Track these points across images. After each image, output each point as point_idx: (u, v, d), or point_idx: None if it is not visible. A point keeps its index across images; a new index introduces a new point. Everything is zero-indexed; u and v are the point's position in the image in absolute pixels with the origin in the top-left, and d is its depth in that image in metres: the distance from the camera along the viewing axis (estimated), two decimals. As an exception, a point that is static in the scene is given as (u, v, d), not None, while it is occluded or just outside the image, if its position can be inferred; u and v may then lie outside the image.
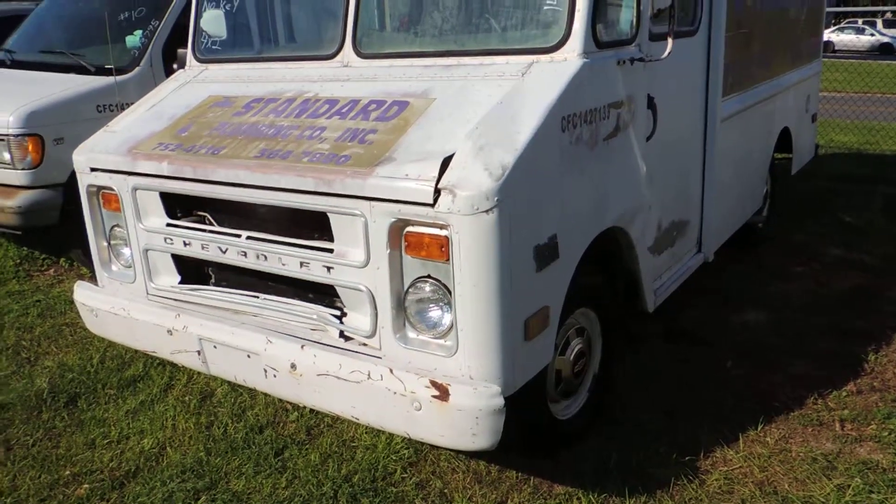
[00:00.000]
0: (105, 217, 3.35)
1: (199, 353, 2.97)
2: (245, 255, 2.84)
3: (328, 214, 2.55)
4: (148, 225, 3.12)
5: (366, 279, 2.51)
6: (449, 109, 2.60)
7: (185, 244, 3.02)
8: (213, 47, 3.73)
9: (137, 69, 5.42)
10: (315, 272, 2.65)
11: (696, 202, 4.01)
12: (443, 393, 2.31)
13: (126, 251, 3.33)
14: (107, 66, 5.34)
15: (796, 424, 3.25)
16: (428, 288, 2.43)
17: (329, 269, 2.60)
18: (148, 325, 3.11)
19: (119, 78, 5.22)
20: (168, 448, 3.20)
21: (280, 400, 3.50)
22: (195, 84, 3.56)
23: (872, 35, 32.80)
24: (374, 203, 2.40)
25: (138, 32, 5.62)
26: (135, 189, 3.10)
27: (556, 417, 3.00)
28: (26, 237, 5.42)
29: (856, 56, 27.52)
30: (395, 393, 2.40)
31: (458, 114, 2.55)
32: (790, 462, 2.98)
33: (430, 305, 2.45)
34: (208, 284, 3.19)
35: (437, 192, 2.27)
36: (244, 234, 2.85)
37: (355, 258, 2.52)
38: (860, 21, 33.72)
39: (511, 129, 2.39)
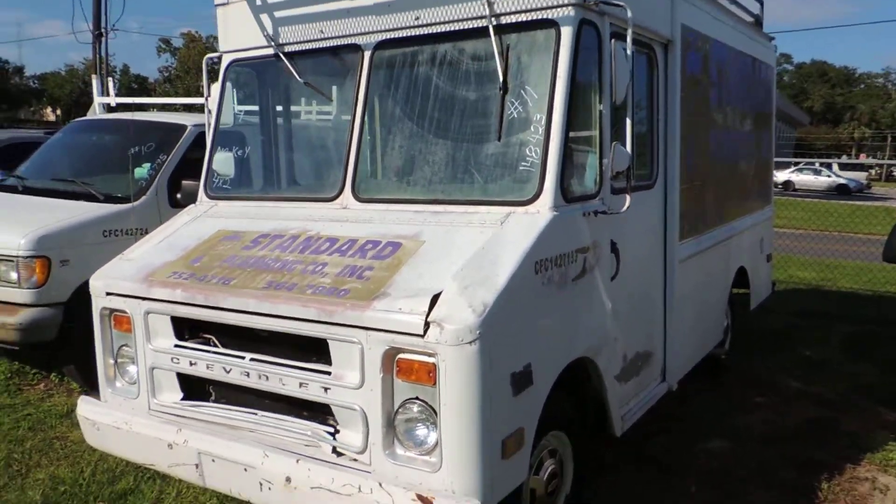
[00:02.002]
0: (115, 337, 3.63)
1: (196, 466, 3.17)
2: (248, 375, 3.12)
3: (328, 341, 2.86)
4: (156, 345, 3.41)
5: (360, 399, 2.79)
6: (437, 251, 2.99)
7: (191, 364, 3.30)
8: (224, 185, 4.16)
9: (144, 198, 5.83)
10: (313, 392, 2.93)
11: (660, 335, 4.38)
12: (426, 506, 2.55)
13: (132, 369, 3.58)
14: (115, 195, 5.79)
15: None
16: (416, 409, 2.71)
17: (326, 389, 2.89)
18: (149, 438, 3.32)
19: (125, 206, 5.65)
20: (158, 562, 3.33)
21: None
22: (206, 218, 3.95)
23: (829, 176, 34.88)
24: (370, 332, 2.73)
25: (146, 165, 6.09)
26: (147, 312, 3.40)
27: (532, 536, 3.20)
28: (19, 352, 5.61)
29: (814, 195, 29.21)
30: (382, 506, 2.63)
31: (446, 256, 2.94)
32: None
33: (418, 424, 2.73)
34: (208, 401, 3.43)
35: (427, 324, 2.61)
36: (248, 356, 3.14)
37: (351, 380, 2.81)
38: (817, 163, 35.89)
39: (491, 271, 2.77)
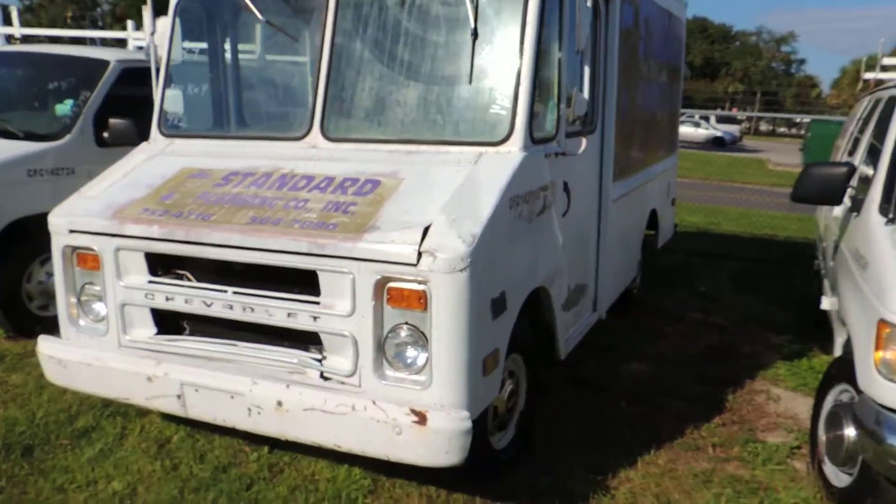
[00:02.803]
0: (78, 275, 3.60)
1: (178, 397, 3.28)
2: (231, 307, 3.23)
3: (317, 272, 3.02)
4: (128, 282, 3.43)
5: (350, 327, 2.99)
6: (417, 188, 3.19)
7: (168, 299, 3.36)
8: (179, 123, 4.13)
9: (69, 136, 5.60)
10: (301, 321, 3.09)
11: (593, 268, 4.79)
12: (421, 418, 2.80)
13: (98, 306, 3.59)
14: (37, 133, 5.53)
15: (679, 450, 3.98)
16: (405, 333, 2.94)
17: (315, 318, 3.06)
18: (126, 372, 3.38)
19: (50, 144, 5.43)
20: (140, 488, 3.42)
21: (239, 441, 3.80)
22: (164, 156, 3.93)
23: (707, 129, 37.04)
24: (362, 263, 2.91)
25: (68, 101, 5.83)
26: (118, 249, 3.41)
27: (494, 447, 3.54)
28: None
29: (694, 147, 31.05)
30: (377, 421, 2.86)
31: (426, 192, 3.14)
32: (678, 478, 3.68)
33: (407, 347, 2.96)
34: (182, 335, 3.51)
35: (420, 254, 2.82)
36: (230, 289, 3.24)
37: (342, 309, 2.99)
38: (696, 116, 37.95)
39: (474, 205, 3.00)
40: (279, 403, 3.05)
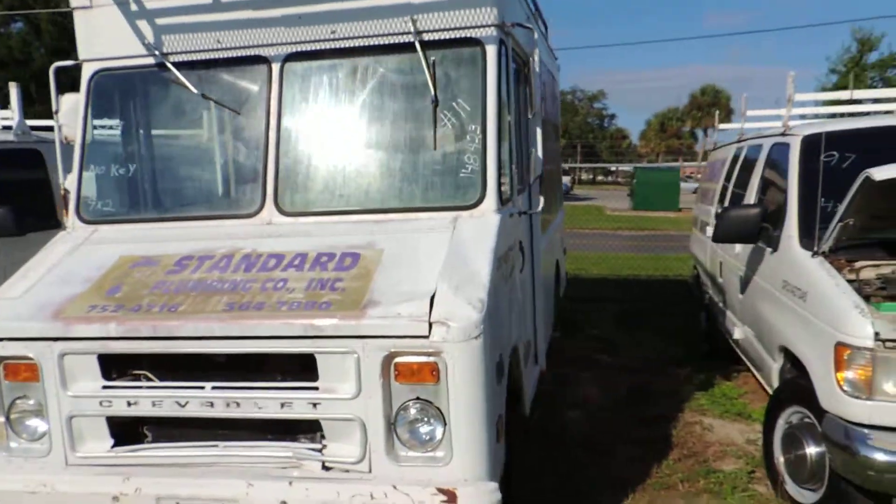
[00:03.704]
0: (6, 389, 3.12)
1: (155, 514, 2.90)
2: (212, 405, 2.93)
3: (315, 355, 2.83)
4: (76, 390, 3.02)
5: (356, 409, 2.81)
6: (401, 258, 3.10)
7: (130, 404, 2.99)
8: (102, 208, 3.76)
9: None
10: (298, 411, 2.86)
11: (532, 322, 4.86)
12: (451, 497, 2.68)
13: (34, 423, 3.12)
14: None
15: (653, 490, 4.08)
16: (416, 408, 2.81)
17: (315, 405, 2.84)
18: (84, 495, 2.94)
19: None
20: None
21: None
22: (92, 245, 3.55)
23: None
24: (367, 340, 2.77)
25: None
26: (63, 354, 3.00)
27: None
28: None
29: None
30: (402, 507, 2.69)
31: (413, 261, 3.07)
32: (663, 519, 3.76)
33: (420, 423, 2.82)
34: (144, 443, 3.13)
35: (430, 325, 2.73)
36: (208, 385, 2.95)
37: (345, 392, 2.81)
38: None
39: (470, 270, 2.96)
40: (283, 504, 2.78)
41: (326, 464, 2.89)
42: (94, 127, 3.83)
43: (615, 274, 12.45)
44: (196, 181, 3.82)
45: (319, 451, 2.91)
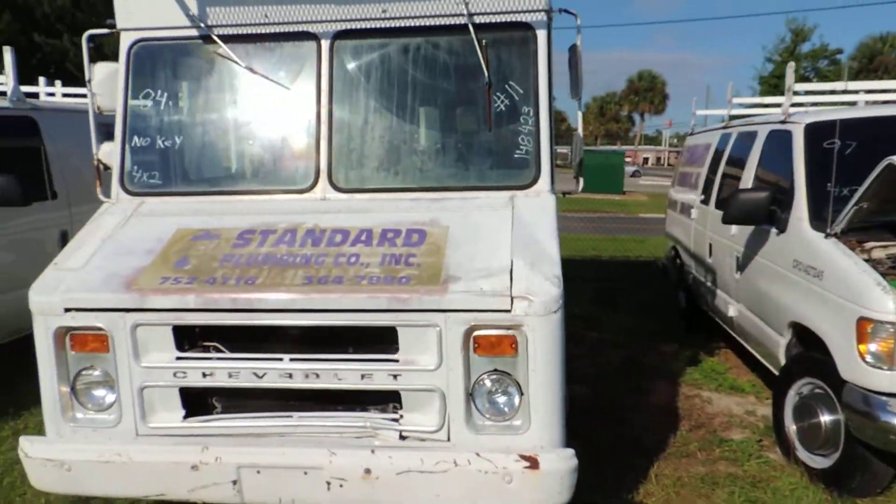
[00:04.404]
0: (72, 360, 3.11)
1: (234, 482, 2.95)
2: (290, 376, 2.99)
3: (397, 328, 2.92)
4: (149, 361, 3.03)
5: (437, 381, 2.92)
6: (467, 234, 3.20)
7: (206, 375, 3.02)
8: (149, 181, 3.73)
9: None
10: (379, 381, 2.95)
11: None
12: (533, 463, 2.82)
13: (101, 393, 3.12)
14: None
15: (673, 459, 4.33)
16: (494, 379, 2.94)
17: (395, 376, 2.94)
18: (161, 465, 2.97)
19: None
20: None
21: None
22: (145, 217, 3.52)
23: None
24: (449, 314, 2.87)
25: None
26: (136, 326, 3.01)
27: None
28: None
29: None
30: (485, 472, 2.82)
31: (480, 238, 3.17)
32: (690, 485, 4.01)
33: (497, 394, 2.96)
34: (213, 414, 3.17)
35: (511, 299, 2.85)
36: (286, 357, 3.00)
37: (426, 363, 2.91)
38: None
39: (540, 248, 3.10)
40: (367, 471, 2.87)
41: (403, 433, 2.99)
42: (135, 98, 3.77)
43: (580, 254, 12.77)
44: (243, 155, 3.81)
45: (396, 420, 3.02)
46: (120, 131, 3.74)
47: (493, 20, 3.55)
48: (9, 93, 5.59)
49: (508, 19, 3.55)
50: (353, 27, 3.62)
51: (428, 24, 3.59)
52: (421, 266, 3.03)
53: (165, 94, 3.80)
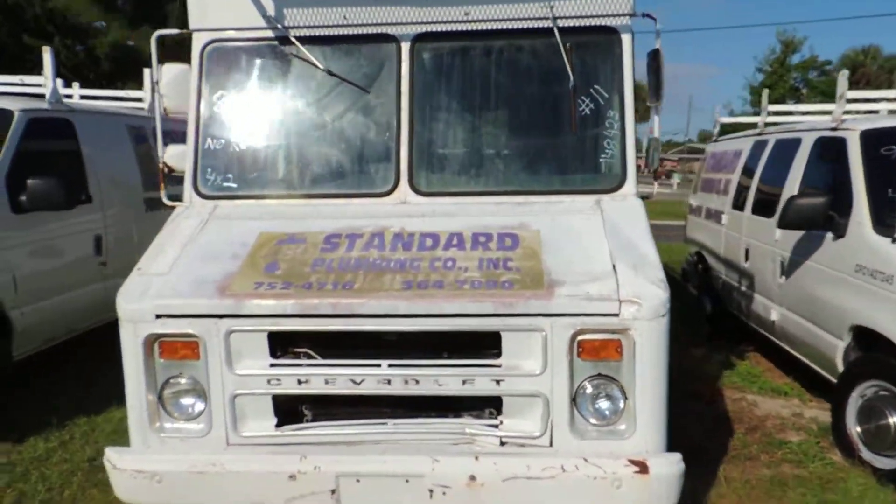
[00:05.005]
0: (160, 368, 3.03)
1: (332, 492, 2.88)
2: (388, 382, 2.94)
3: (501, 333, 2.88)
4: (242, 368, 2.97)
5: (541, 385, 2.88)
6: (559, 238, 3.18)
7: (300, 382, 2.96)
8: (223, 184, 3.66)
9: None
10: (480, 387, 2.91)
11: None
12: (643, 468, 2.79)
13: (189, 402, 3.05)
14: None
15: (738, 462, 4.32)
16: (597, 384, 2.91)
17: (498, 381, 2.90)
18: (257, 475, 2.90)
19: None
20: None
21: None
22: (221, 221, 3.46)
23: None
24: (555, 318, 2.84)
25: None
26: (230, 332, 2.94)
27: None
28: None
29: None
30: (594, 478, 2.79)
31: (574, 241, 3.15)
32: (759, 487, 4.01)
33: (601, 399, 2.93)
34: (302, 423, 3.10)
35: (619, 304, 2.83)
36: (384, 362, 2.95)
37: (530, 368, 2.88)
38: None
39: (639, 252, 3.07)
40: (472, 478, 2.82)
41: (503, 439, 2.95)
42: (209, 100, 3.70)
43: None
44: (320, 159, 3.73)
45: (495, 426, 2.98)
46: (193, 134, 3.67)
47: (578, 24, 3.53)
48: (48, 94, 5.49)
49: (593, 23, 3.53)
50: (434, 30, 3.59)
51: (510, 27, 3.56)
52: (521, 270, 2.99)
53: (240, 97, 3.75)
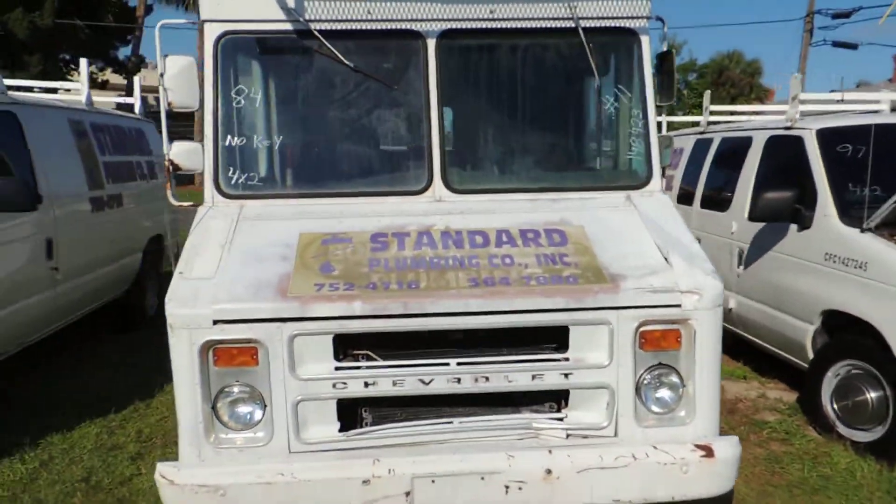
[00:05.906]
0: (214, 376, 2.87)
1: (407, 494, 2.84)
2: (458, 380, 2.92)
3: (569, 327, 2.93)
4: (305, 373, 2.87)
5: (608, 377, 2.96)
6: (605, 234, 3.26)
7: (367, 384, 2.90)
8: (247, 182, 3.49)
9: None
10: (549, 381, 2.96)
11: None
12: (709, 452, 2.93)
13: (247, 409, 2.91)
14: None
15: (730, 442, 4.58)
16: (658, 373, 3.02)
17: (567, 375, 2.96)
18: (329, 482, 2.81)
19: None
20: None
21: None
22: (256, 221, 3.31)
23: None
24: (621, 311, 2.93)
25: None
26: (293, 336, 2.83)
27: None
28: None
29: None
30: (664, 464, 2.90)
31: (620, 236, 3.25)
32: (757, 464, 4.28)
33: (661, 387, 3.04)
34: (363, 426, 3.03)
35: (680, 294, 2.95)
36: (453, 361, 2.94)
37: (597, 361, 2.95)
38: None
39: (684, 245, 3.21)
40: (548, 472, 2.86)
41: (569, 431, 3.01)
42: (226, 95, 3.52)
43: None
44: (347, 156, 3.64)
45: (560, 419, 3.03)
46: (211, 131, 3.47)
47: (599, 24, 3.62)
48: None
49: (613, 24, 3.64)
50: (460, 27, 3.58)
51: (534, 26, 3.61)
52: (579, 265, 3.06)
53: (259, 92, 3.59)
